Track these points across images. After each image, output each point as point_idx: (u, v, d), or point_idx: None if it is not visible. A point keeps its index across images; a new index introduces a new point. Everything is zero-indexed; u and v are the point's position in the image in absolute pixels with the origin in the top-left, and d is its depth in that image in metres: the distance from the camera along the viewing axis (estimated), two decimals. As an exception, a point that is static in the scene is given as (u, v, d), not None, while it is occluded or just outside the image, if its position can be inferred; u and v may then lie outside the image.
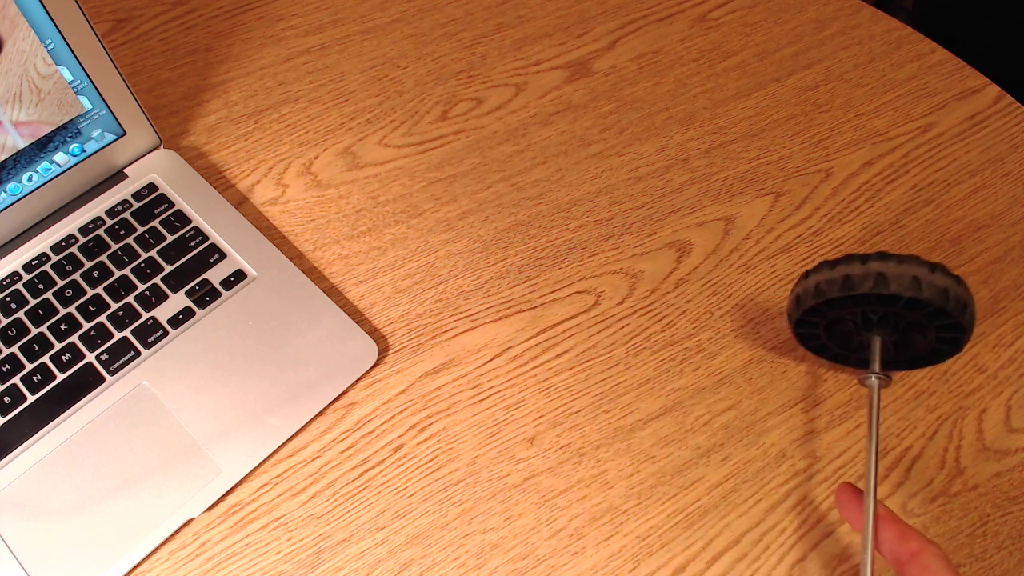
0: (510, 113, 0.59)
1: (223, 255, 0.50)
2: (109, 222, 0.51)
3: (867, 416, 0.41)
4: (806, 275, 0.41)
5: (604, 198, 0.55)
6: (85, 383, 0.45)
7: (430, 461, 0.45)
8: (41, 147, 0.48)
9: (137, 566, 0.41)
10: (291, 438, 0.45)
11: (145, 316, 0.48)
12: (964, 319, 0.38)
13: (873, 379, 0.40)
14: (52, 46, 0.45)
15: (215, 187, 0.53)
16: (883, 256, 0.38)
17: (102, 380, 0.46)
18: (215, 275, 0.50)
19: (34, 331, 0.47)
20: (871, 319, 0.41)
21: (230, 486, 0.43)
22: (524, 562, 0.42)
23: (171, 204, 0.52)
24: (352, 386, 0.47)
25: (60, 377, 0.45)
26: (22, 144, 0.47)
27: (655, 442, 0.46)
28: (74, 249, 0.50)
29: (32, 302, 0.48)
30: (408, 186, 0.55)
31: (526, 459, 0.45)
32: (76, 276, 0.49)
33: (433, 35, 0.63)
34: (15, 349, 0.46)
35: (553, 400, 0.47)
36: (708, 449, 0.46)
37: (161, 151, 0.55)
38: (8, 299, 0.48)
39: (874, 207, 0.55)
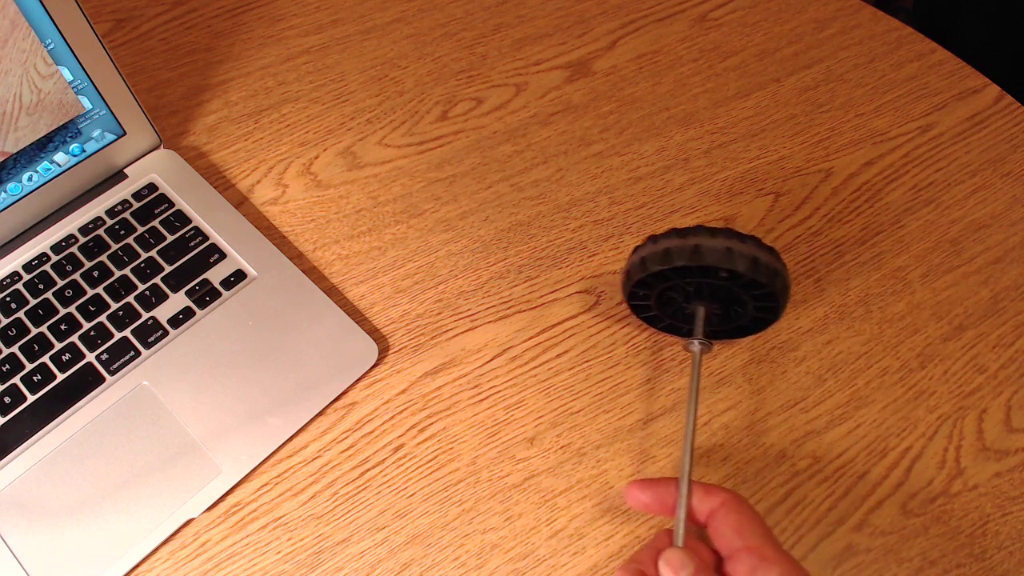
0: (510, 113, 0.59)
1: (223, 255, 0.50)
2: (109, 222, 0.51)
3: (690, 379, 0.43)
4: (635, 250, 0.43)
5: (604, 198, 0.55)
6: (85, 383, 0.45)
7: (430, 461, 0.45)
8: (41, 147, 0.48)
9: (137, 566, 0.41)
10: (291, 438, 0.45)
11: (145, 316, 0.48)
12: (774, 286, 0.40)
13: (696, 344, 0.43)
14: (52, 46, 0.45)
15: (215, 187, 0.53)
16: (698, 230, 0.40)
17: (102, 380, 0.46)
18: (215, 275, 0.50)
19: (34, 331, 0.47)
20: (700, 290, 0.43)
21: (230, 486, 0.43)
22: (524, 562, 0.42)
23: (171, 204, 0.52)
24: (352, 386, 0.47)
25: (60, 377, 0.45)
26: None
27: (655, 442, 0.46)
28: (74, 249, 0.50)
29: (32, 302, 0.48)
30: (408, 186, 0.55)
31: (526, 459, 0.45)
32: (76, 276, 0.49)
33: (433, 35, 0.63)
34: (15, 349, 0.46)
35: (553, 400, 0.47)
36: (708, 449, 0.46)
37: (161, 151, 0.55)
38: (8, 299, 0.48)
39: (874, 207, 0.55)
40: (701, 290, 0.42)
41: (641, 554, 0.36)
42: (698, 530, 0.38)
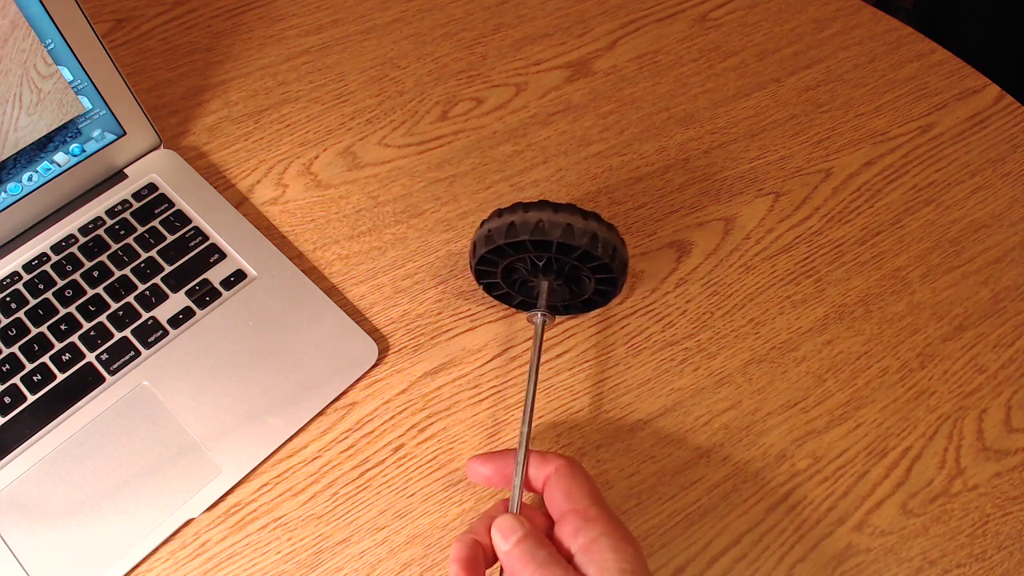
0: (510, 113, 0.59)
1: (223, 255, 0.50)
2: (109, 222, 0.51)
3: (532, 349, 0.44)
4: (481, 224, 0.44)
5: (604, 198, 0.55)
6: (85, 383, 0.45)
7: (430, 461, 0.45)
8: (41, 147, 0.48)
9: (137, 566, 0.41)
10: (291, 438, 0.45)
11: (145, 316, 0.48)
12: (613, 262, 0.41)
13: (539, 316, 0.44)
14: (52, 46, 0.45)
15: (215, 187, 0.53)
16: (542, 205, 0.41)
17: (102, 380, 0.46)
18: (215, 275, 0.50)
19: (34, 331, 0.47)
20: (543, 265, 0.43)
21: (230, 486, 0.43)
22: (524, 562, 0.42)
23: (171, 204, 0.52)
24: (352, 386, 0.47)
25: (60, 377, 0.45)
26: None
27: (655, 442, 0.46)
28: (74, 249, 0.50)
29: (32, 302, 0.48)
30: (408, 186, 0.55)
31: (526, 459, 0.45)
32: (76, 276, 0.49)
33: (433, 35, 0.63)
34: (15, 349, 0.46)
35: (553, 400, 0.47)
36: (708, 449, 0.46)
37: (161, 151, 0.55)
38: (8, 299, 0.48)
39: (874, 207, 0.55)
40: (544, 265, 0.43)
41: (477, 524, 0.37)
42: (536, 498, 0.38)
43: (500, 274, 0.45)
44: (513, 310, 0.50)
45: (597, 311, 0.50)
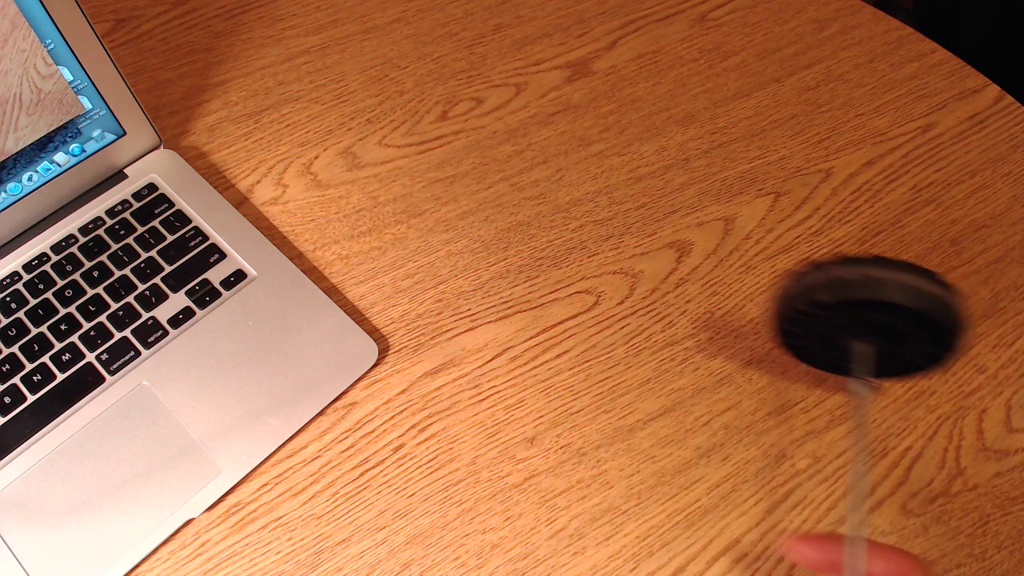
0: (510, 113, 0.59)
1: (223, 255, 0.50)
2: (109, 222, 0.51)
3: (856, 426, 0.40)
4: (795, 275, 0.39)
5: (604, 198, 0.55)
6: (85, 383, 0.45)
7: (430, 461, 0.45)
8: (41, 147, 0.48)
9: (137, 566, 0.41)
10: (291, 438, 0.45)
11: (145, 316, 0.48)
12: (959, 336, 0.37)
13: (865, 387, 0.40)
14: (52, 46, 0.45)
15: (215, 187, 0.53)
16: (882, 261, 0.37)
17: (102, 380, 0.46)
18: (215, 275, 0.50)
19: (34, 331, 0.47)
20: (862, 326, 0.39)
21: (230, 486, 0.43)
22: (524, 562, 0.42)
23: (171, 204, 0.52)
24: (352, 386, 0.47)
25: (60, 377, 0.45)
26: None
27: (655, 442, 0.46)
28: (74, 249, 0.50)
29: (32, 302, 0.48)
30: (408, 186, 0.55)
31: (526, 459, 0.45)
32: (76, 276, 0.49)
33: (433, 35, 0.63)
34: (15, 349, 0.46)
35: (553, 400, 0.47)
36: (708, 449, 0.46)
37: (161, 151, 0.55)
38: (8, 299, 0.48)
39: (874, 207, 0.55)
40: (872, 328, 0.38)
41: None
42: None
43: (811, 333, 0.41)
44: (513, 311, 0.50)
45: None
